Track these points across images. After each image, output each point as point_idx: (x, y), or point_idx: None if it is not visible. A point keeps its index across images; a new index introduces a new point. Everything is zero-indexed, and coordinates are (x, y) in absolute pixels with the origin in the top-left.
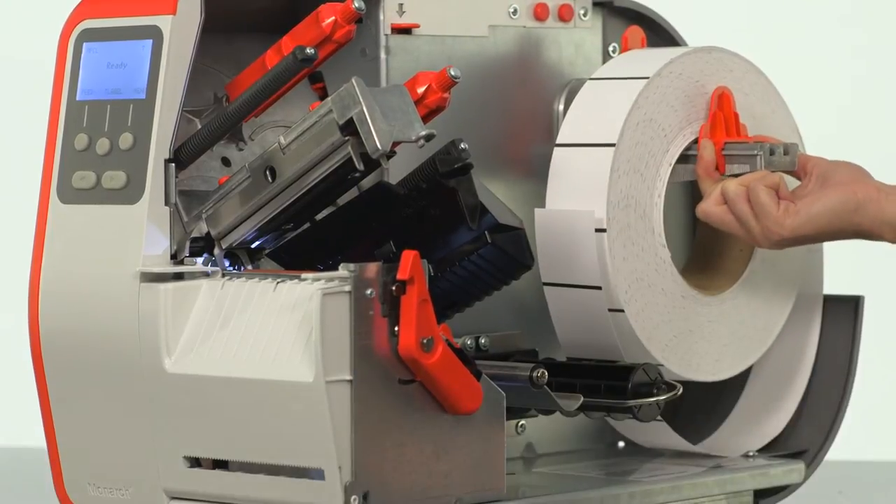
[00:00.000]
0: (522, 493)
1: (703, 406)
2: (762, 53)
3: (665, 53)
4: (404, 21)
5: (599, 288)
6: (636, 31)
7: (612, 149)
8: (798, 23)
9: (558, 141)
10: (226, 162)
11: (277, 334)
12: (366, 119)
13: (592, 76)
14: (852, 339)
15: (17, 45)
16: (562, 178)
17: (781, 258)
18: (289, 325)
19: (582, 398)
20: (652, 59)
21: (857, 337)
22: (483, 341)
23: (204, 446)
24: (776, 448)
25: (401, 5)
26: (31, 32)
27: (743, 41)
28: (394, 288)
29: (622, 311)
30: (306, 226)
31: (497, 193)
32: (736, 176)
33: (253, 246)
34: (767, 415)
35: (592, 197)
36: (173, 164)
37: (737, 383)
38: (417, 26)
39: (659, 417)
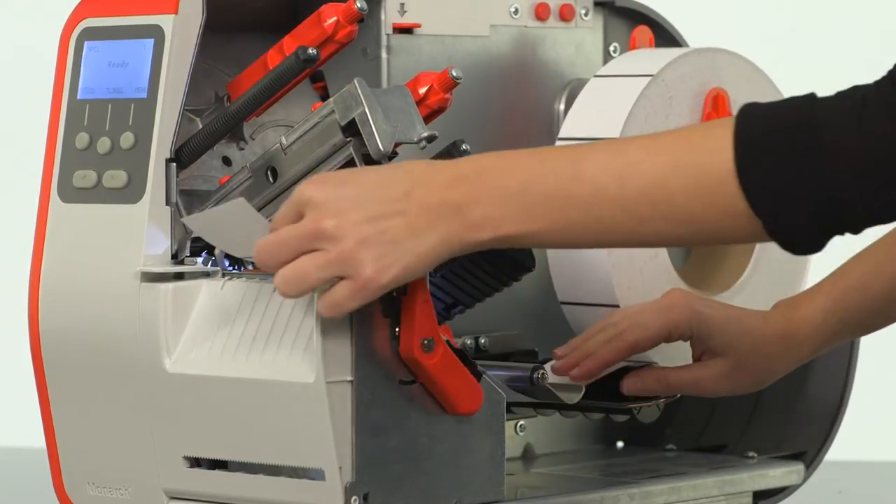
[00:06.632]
0: (522, 494)
1: (703, 407)
2: (763, 54)
3: (667, 53)
4: (406, 21)
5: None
6: (644, 31)
7: None
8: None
9: (560, 135)
10: (227, 161)
11: (278, 334)
12: (368, 120)
13: (596, 74)
14: (851, 342)
15: (17, 43)
16: None
17: (781, 258)
18: (289, 326)
19: (584, 388)
20: (654, 59)
21: (856, 340)
22: (483, 341)
23: (204, 446)
24: (775, 449)
25: (402, 5)
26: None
27: (744, 42)
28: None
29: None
30: None
31: None
32: None
33: None
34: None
35: None
36: (174, 164)
37: None
38: (419, 26)
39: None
